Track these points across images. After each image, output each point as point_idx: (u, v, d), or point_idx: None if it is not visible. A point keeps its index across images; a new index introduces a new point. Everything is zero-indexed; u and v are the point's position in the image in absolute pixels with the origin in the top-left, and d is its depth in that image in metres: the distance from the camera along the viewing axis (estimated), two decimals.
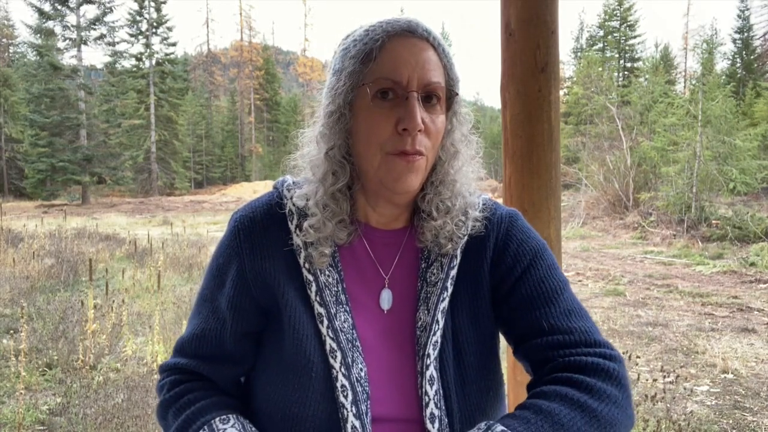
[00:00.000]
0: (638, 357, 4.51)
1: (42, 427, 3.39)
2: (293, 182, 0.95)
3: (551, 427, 0.71)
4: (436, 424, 0.85)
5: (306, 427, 0.85)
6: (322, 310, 0.87)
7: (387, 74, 0.83)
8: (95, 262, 8.84)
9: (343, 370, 0.85)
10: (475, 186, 0.96)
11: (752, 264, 9.48)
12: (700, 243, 12.12)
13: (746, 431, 3.49)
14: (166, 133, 39.91)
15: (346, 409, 0.84)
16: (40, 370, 4.30)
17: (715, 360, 4.77)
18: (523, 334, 0.89)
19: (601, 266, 10.03)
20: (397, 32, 0.85)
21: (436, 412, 0.86)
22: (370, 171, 0.87)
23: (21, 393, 3.38)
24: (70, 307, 5.95)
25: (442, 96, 0.87)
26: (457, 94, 0.91)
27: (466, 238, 0.93)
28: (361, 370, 0.86)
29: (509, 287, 0.91)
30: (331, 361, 0.86)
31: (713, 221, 13.07)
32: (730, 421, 3.61)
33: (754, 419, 3.65)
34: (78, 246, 10.82)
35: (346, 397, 0.84)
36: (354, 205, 0.91)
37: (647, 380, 4.13)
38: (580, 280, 8.72)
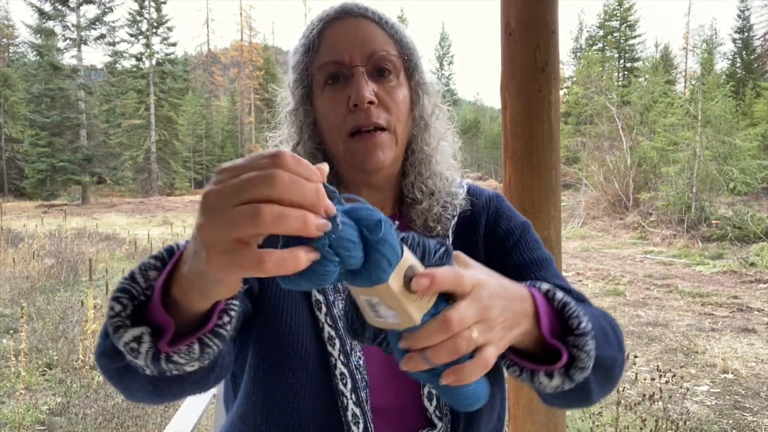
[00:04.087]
0: (636, 356, 4.51)
1: (42, 427, 3.38)
2: None
3: (583, 308, 0.69)
4: (434, 402, 0.86)
5: (305, 419, 0.83)
6: (320, 297, 0.86)
7: (328, 58, 0.85)
8: (95, 262, 8.83)
9: (342, 357, 0.84)
10: (455, 167, 0.97)
11: (752, 264, 9.47)
12: (700, 243, 12.11)
13: (746, 431, 3.49)
14: (166, 133, 39.85)
15: (346, 396, 0.82)
16: (40, 370, 4.30)
17: (715, 360, 4.77)
18: None
19: (601, 266, 10.03)
20: (332, 17, 0.87)
21: (434, 391, 0.86)
22: (338, 158, 0.88)
23: (21, 393, 3.38)
24: (70, 307, 5.95)
25: (397, 66, 0.88)
26: (413, 62, 0.90)
27: (455, 219, 0.94)
28: (360, 358, 0.85)
29: (502, 255, 0.93)
30: (329, 348, 0.84)
31: (713, 221, 13.05)
32: (730, 421, 3.61)
33: (754, 419, 3.65)
34: (78, 246, 10.81)
35: (345, 385, 0.83)
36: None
37: (646, 380, 4.14)
38: (580, 280, 8.71)
